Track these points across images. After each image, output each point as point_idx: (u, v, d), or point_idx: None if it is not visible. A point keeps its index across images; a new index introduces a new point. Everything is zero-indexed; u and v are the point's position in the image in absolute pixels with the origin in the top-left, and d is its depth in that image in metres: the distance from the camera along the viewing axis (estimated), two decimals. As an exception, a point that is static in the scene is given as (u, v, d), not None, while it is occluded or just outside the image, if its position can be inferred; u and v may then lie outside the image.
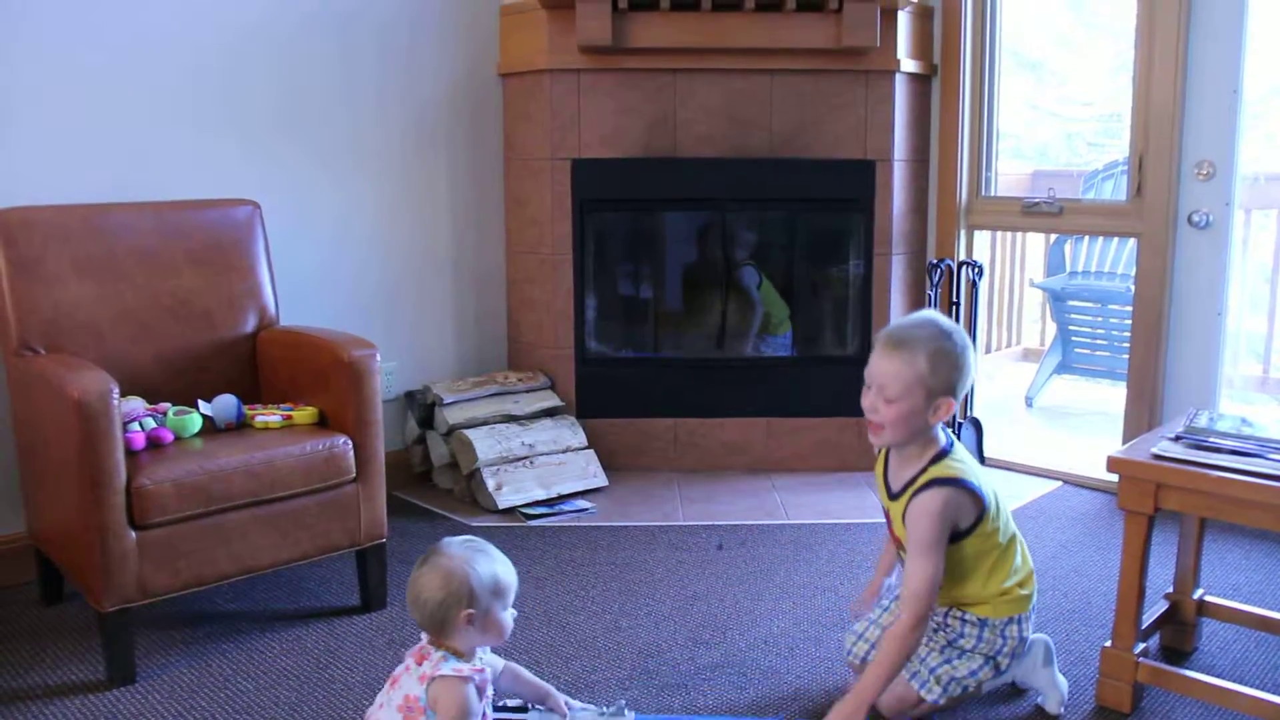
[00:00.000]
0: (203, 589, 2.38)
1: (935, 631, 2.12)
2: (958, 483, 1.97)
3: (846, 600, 2.68)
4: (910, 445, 2.02)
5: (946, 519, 1.96)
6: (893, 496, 2.08)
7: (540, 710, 2.04)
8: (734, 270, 3.90)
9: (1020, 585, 2.09)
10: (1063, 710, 2.17)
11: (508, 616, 1.87)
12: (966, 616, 2.08)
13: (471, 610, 1.81)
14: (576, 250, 3.63)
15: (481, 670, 1.86)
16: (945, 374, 1.94)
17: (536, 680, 2.06)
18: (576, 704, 2.09)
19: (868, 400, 1.99)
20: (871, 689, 1.91)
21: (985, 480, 2.05)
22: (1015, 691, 2.24)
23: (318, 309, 3.25)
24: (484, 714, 1.87)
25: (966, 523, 2.01)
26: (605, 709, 2.07)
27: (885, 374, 1.95)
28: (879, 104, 3.57)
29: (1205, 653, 2.42)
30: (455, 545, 1.88)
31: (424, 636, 1.87)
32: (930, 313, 2.07)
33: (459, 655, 1.84)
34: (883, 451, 2.12)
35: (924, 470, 2.00)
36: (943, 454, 2.01)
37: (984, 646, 2.08)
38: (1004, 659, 2.09)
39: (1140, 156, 3.33)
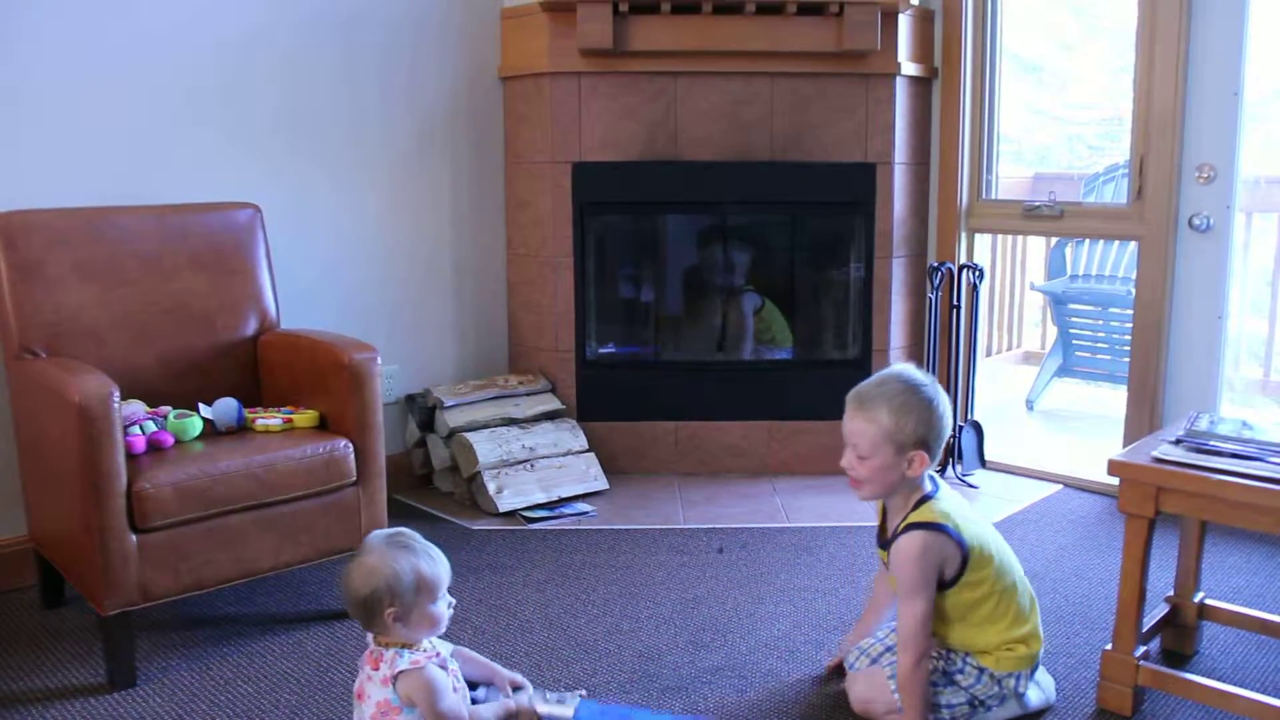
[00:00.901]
0: (203, 592, 2.38)
1: (936, 659, 2.12)
2: (936, 527, 2.02)
3: (847, 603, 2.68)
4: (895, 496, 2.09)
5: (928, 562, 2.01)
6: (883, 546, 2.14)
7: (487, 689, 2.06)
8: (734, 294, 3.91)
9: (1024, 642, 2.10)
10: (1051, 700, 2.18)
11: (440, 609, 1.87)
12: (969, 659, 2.10)
13: (394, 609, 1.82)
14: (577, 253, 3.64)
15: (436, 653, 1.89)
16: (912, 428, 2.00)
17: (485, 661, 2.10)
18: (529, 688, 2.08)
19: (846, 459, 2.07)
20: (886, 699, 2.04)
21: (974, 528, 2.07)
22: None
23: (319, 312, 3.26)
24: (454, 687, 1.90)
25: (952, 570, 2.03)
26: (551, 695, 2.05)
27: (854, 432, 2.04)
28: (880, 107, 3.57)
29: (1206, 656, 2.42)
30: (378, 541, 1.87)
31: (370, 638, 1.90)
32: (899, 368, 2.12)
33: (408, 647, 1.87)
34: (880, 503, 2.18)
35: (905, 517, 2.06)
36: (925, 499, 2.06)
37: (978, 689, 2.10)
38: (992, 701, 2.11)
39: (1141, 160, 3.33)
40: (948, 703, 2.09)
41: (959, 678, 2.10)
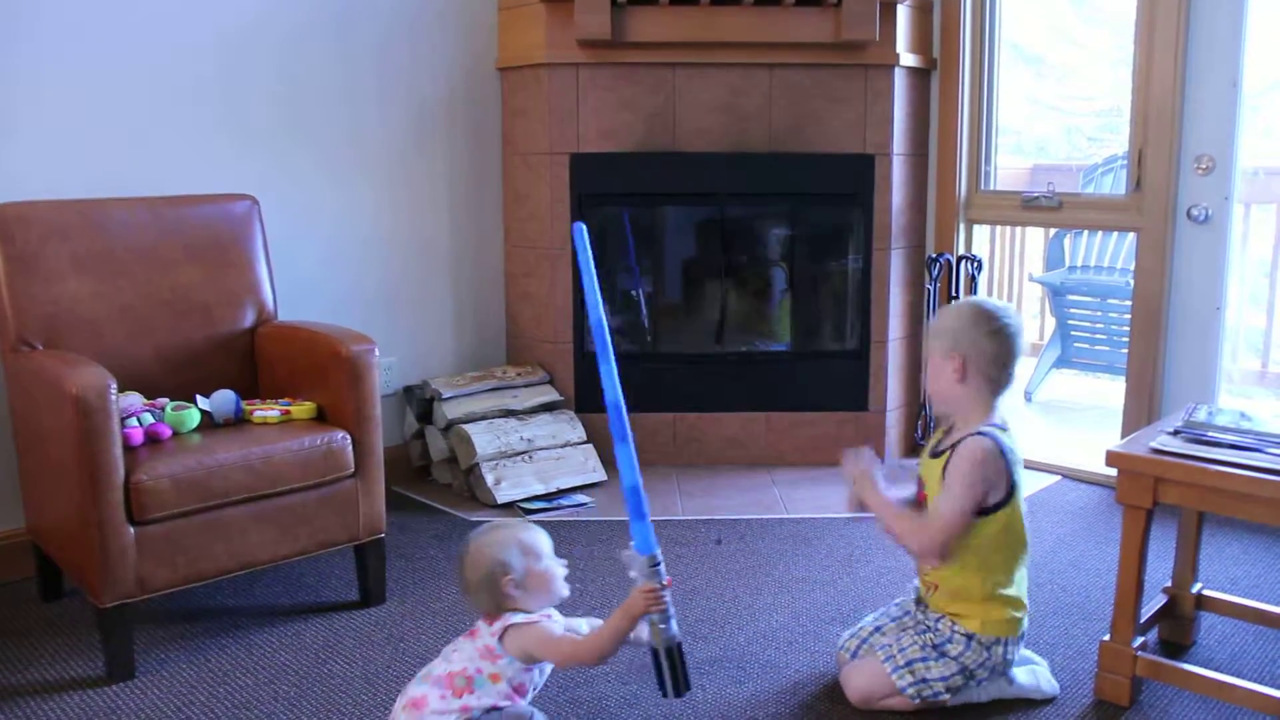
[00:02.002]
0: (201, 584, 2.38)
1: (924, 632, 2.15)
2: (998, 443, 2.06)
3: (845, 595, 2.69)
4: (957, 414, 2.16)
5: (983, 472, 2.05)
6: (934, 454, 2.17)
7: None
8: (763, 274, 3.92)
9: (1012, 605, 2.12)
10: (1055, 688, 2.20)
11: (552, 567, 1.99)
12: (956, 627, 2.12)
13: (509, 576, 1.94)
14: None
15: (548, 615, 2.00)
16: (952, 331, 2.12)
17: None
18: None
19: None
20: (881, 509, 2.14)
21: (1022, 475, 2.13)
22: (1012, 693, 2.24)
23: (316, 304, 3.25)
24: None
25: (996, 497, 2.07)
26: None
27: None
28: (878, 98, 3.56)
29: (1204, 646, 2.42)
30: (478, 531, 2.03)
31: (479, 623, 2.00)
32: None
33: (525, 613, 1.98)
34: (939, 430, 2.24)
35: (971, 433, 2.11)
36: (990, 425, 2.11)
37: (968, 657, 2.11)
38: (982, 671, 2.13)
39: (1140, 151, 3.33)
40: (940, 675, 2.10)
41: (948, 648, 2.11)
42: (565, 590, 2.02)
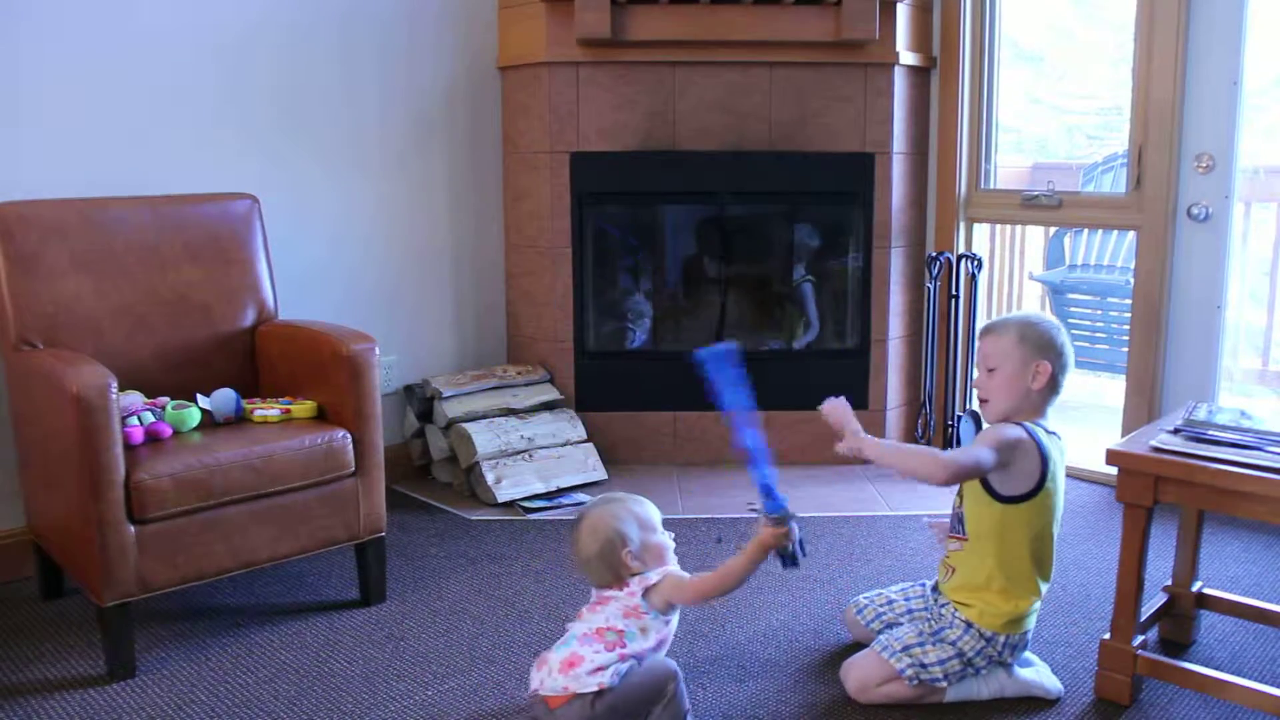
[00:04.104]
0: (202, 583, 2.38)
1: (927, 620, 2.20)
2: (1035, 439, 2.11)
3: (845, 593, 2.69)
4: (1015, 417, 2.17)
5: (1010, 443, 2.09)
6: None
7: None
8: (766, 268, 3.93)
9: (1016, 606, 2.14)
10: (1060, 688, 2.20)
11: (663, 539, 2.09)
12: (957, 614, 2.16)
13: (627, 548, 2.03)
14: (575, 243, 3.63)
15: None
16: (1036, 339, 2.16)
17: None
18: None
19: (977, 380, 2.24)
20: (882, 452, 2.10)
21: (1057, 475, 2.16)
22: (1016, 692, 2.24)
23: (317, 303, 3.25)
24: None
25: (1023, 487, 2.10)
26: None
27: (987, 353, 2.20)
28: (878, 97, 3.56)
29: (1204, 645, 2.42)
30: (588, 506, 2.13)
31: (593, 594, 2.09)
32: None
33: None
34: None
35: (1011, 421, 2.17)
36: (1037, 424, 2.16)
37: (965, 643, 2.13)
38: (980, 660, 2.15)
39: (1140, 149, 3.33)
40: (937, 659, 2.12)
41: (946, 633, 2.15)
42: (673, 558, 2.11)
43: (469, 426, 3.39)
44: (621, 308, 3.89)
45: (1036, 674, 2.21)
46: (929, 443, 3.77)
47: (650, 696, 1.94)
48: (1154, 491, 2.07)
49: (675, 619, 2.10)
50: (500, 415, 3.49)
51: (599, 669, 1.92)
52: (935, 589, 2.29)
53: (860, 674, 2.17)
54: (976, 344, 2.33)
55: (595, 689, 1.90)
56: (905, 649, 2.14)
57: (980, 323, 3.85)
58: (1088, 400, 4.79)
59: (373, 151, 3.47)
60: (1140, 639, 2.16)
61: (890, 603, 2.35)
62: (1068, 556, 2.93)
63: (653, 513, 2.11)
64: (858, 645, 2.36)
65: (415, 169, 3.60)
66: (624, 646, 1.97)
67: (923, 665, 2.12)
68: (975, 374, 2.33)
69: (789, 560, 2.02)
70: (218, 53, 3.08)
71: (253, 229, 2.90)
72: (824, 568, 2.86)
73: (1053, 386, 2.16)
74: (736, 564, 2.02)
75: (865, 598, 2.40)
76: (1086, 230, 4.86)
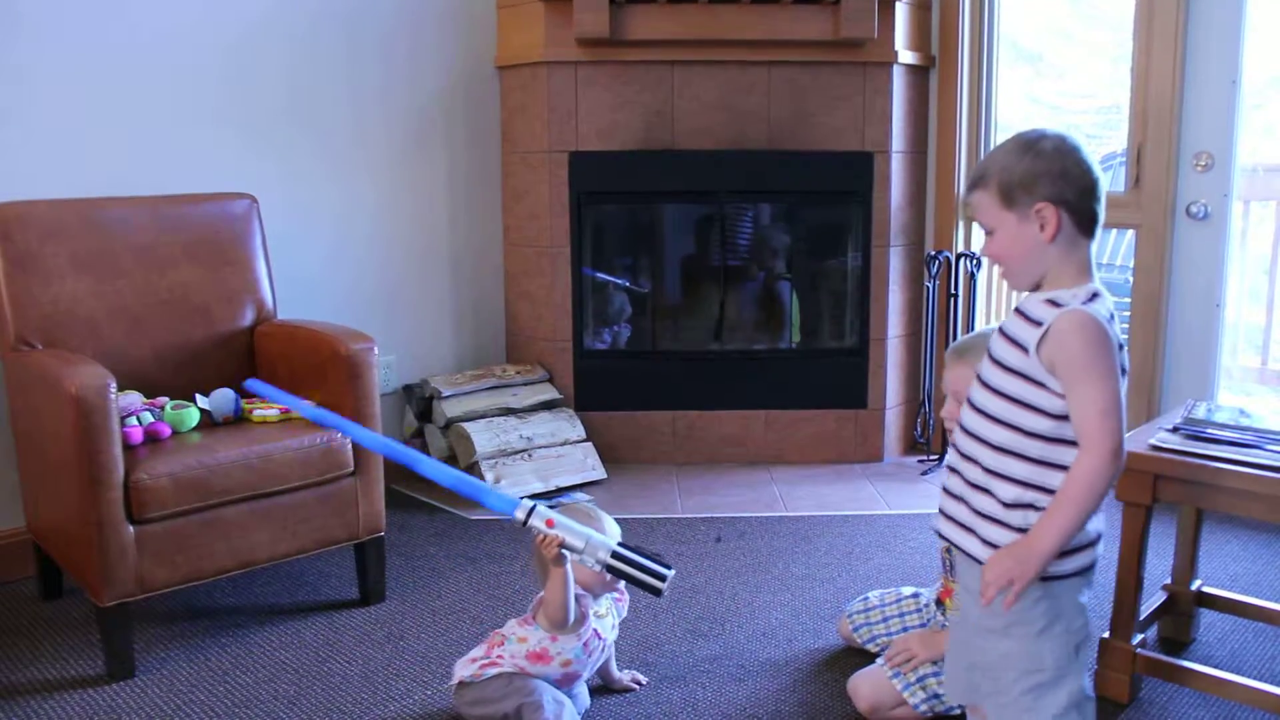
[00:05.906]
0: (201, 583, 2.38)
1: (923, 612, 2.18)
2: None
3: (845, 592, 2.69)
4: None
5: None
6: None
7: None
8: (772, 283, 3.93)
9: None
10: None
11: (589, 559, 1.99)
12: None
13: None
14: (574, 243, 3.63)
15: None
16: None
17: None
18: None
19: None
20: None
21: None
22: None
23: (316, 303, 3.25)
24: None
25: None
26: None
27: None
28: (877, 96, 3.56)
29: (1203, 643, 2.42)
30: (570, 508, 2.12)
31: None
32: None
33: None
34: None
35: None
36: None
37: None
38: None
39: (1139, 148, 3.33)
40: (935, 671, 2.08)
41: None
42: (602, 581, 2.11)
43: (468, 426, 3.39)
44: (620, 307, 3.89)
45: None
46: (928, 442, 3.76)
47: (506, 707, 2.00)
48: (1153, 490, 2.07)
49: (582, 650, 2.06)
50: (499, 415, 3.49)
51: (472, 660, 2.06)
52: (939, 604, 2.21)
53: (872, 695, 2.11)
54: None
55: (457, 680, 2.05)
56: (920, 680, 2.08)
57: (979, 322, 3.85)
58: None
59: (372, 151, 3.47)
60: (1139, 637, 2.16)
61: (886, 620, 2.29)
62: (1067, 555, 2.93)
63: (609, 528, 2.07)
64: (857, 647, 2.35)
65: (414, 169, 3.59)
66: (500, 648, 2.06)
67: (936, 697, 2.07)
68: (947, 404, 1.91)
69: (649, 582, 1.88)
70: (217, 53, 3.08)
71: (251, 229, 2.90)
72: (823, 567, 2.86)
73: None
74: (546, 592, 2.02)
75: (860, 614, 2.33)
76: (1085, 229, 4.85)
